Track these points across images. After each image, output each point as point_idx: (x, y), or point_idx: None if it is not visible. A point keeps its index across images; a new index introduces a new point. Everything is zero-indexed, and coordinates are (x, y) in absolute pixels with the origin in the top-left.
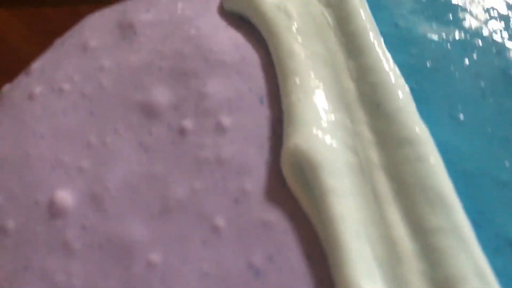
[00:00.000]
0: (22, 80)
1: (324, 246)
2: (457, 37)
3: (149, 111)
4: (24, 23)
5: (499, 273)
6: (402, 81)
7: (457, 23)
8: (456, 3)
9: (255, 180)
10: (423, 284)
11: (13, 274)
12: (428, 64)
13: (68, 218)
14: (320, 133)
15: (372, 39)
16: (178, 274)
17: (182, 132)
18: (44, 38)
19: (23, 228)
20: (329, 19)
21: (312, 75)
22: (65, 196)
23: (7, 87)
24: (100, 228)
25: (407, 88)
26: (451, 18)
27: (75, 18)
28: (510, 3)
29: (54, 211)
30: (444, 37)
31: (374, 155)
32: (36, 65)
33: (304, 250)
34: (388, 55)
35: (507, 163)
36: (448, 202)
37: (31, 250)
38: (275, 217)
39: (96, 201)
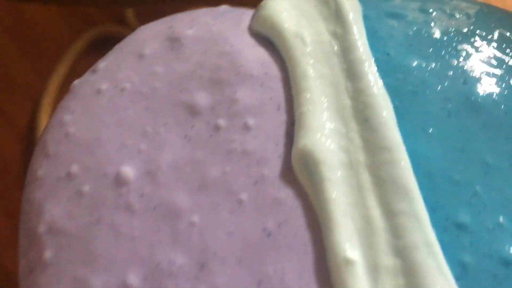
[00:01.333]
0: (89, 77)
1: (319, 220)
2: (433, 67)
3: (192, 110)
4: None
5: (445, 245)
6: (387, 101)
7: (436, 56)
8: (437, 38)
9: (271, 168)
10: (388, 249)
11: (88, 225)
12: (409, 88)
13: (130, 187)
14: (322, 138)
15: (366, 68)
16: (211, 231)
17: (217, 128)
18: (57, 9)
19: (95, 192)
20: (336, 47)
21: (319, 92)
22: (128, 171)
23: (76, 82)
24: (154, 195)
25: (390, 107)
26: (431, 51)
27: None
28: (478, 46)
29: (119, 181)
30: (424, 66)
31: (361, 156)
32: (101, 65)
33: (304, 221)
34: (379, 80)
35: (460, 167)
36: (411, 193)
37: (102, 209)
38: (284, 195)
39: (151, 176)
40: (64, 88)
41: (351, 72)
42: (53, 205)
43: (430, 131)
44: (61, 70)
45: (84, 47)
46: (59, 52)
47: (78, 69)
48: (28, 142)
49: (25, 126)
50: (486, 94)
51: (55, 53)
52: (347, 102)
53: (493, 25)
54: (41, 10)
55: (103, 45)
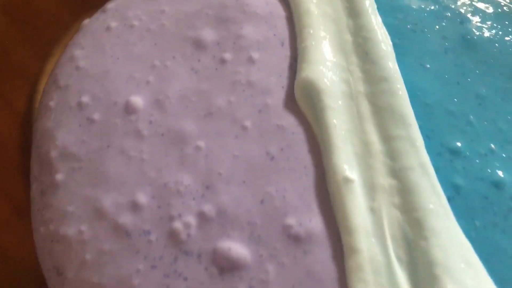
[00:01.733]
0: (99, 16)
1: (320, 144)
2: (432, 8)
3: (198, 45)
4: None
5: (439, 169)
6: (387, 37)
7: None
8: None
9: (275, 98)
10: (385, 171)
11: (99, 149)
12: (408, 27)
13: (139, 115)
14: (324, 69)
15: (367, 5)
16: (216, 155)
17: (222, 61)
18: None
19: (106, 119)
20: None
21: (322, 28)
22: (137, 100)
23: (86, 21)
24: (162, 122)
25: (390, 43)
26: None
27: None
28: None
29: (128, 109)
30: (423, 7)
31: (361, 87)
32: (111, 6)
33: (306, 146)
34: (379, 18)
35: (455, 99)
36: (408, 120)
37: (112, 134)
38: (287, 123)
39: (159, 105)
40: None
41: (353, 10)
42: (65, 132)
43: (427, 66)
44: (59, 52)
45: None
46: (58, 36)
47: None
48: (26, 124)
49: (23, 108)
50: (482, 34)
51: (54, 36)
52: (348, 37)
53: None
54: None
55: None
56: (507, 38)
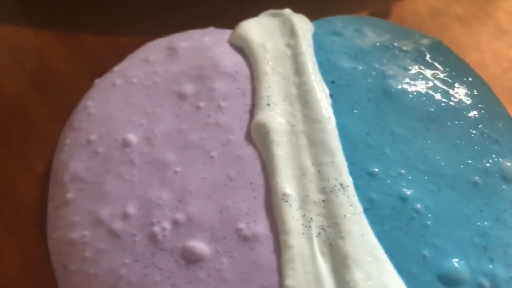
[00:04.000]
0: (108, 75)
1: (267, 169)
2: (361, 68)
3: (181, 96)
4: (64, 47)
5: (358, 188)
6: (324, 89)
7: (363, 60)
8: (365, 49)
9: (236, 135)
10: (315, 188)
11: (101, 174)
12: (342, 81)
13: (133, 148)
14: (274, 114)
15: (309, 67)
16: (189, 177)
17: (198, 108)
18: (81, 61)
19: (107, 151)
20: (288, 53)
21: (274, 83)
22: (132, 137)
23: (98, 80)
24: (149, 153)
25: (327, 93)
26: (360, 57)
27: (112, 47)
28: (394, 54)
29: (125, 144)
30: (354, 67)
31: (301, 127)
32: (117, 68)
33: (256, 170)
34: (318, 76)
35: (374, 136)
36: (334, 150)
37: (111, 163)
38: (243, 153)
39: (148, 140)
40: None
41: (298, 70)
42: (76, 162)
43: (355, 111)
44: None
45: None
46: (79, 102)
47: None
48: (45, 185)
49: (43, 169)
50: (398, 87)
51: (75, 102)
52: (294, 90)
53: (404, 39)
54: (64, 61)
55: None
56: (418, 90)
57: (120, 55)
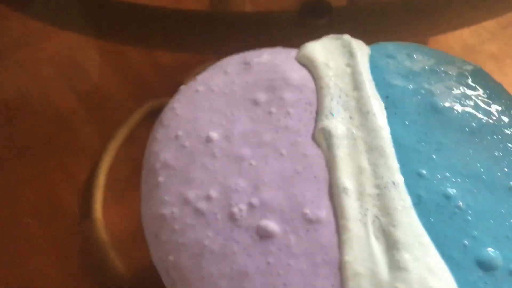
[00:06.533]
0: (191, 83)
1: (329, 166)
2: (412, 87)
3: (255, 103)
4: (109, 64)
5: (409, 185)
6: (380, 103)
7: (414, 79)
8: (415, 70)
9: (302, 137)
10: (371, 184)
11: (187, 164)
12: (395, 97)
13: (214, 143)
14: (335, 122)
15: (366, 84)
16: (263, 169)
17: (270, 113)
18: (125, 79)
19: (193, 146)
20: (347, 71)
21: (336, 97)
22: (214, 135)
23: (182, 86)
24: (228, 149)
25: (382, 106)
26: (411, 77)
27: (154, 66)
28: (441, 75)
29: (208, 140)
30: (406, 85)
31: (359, 133)
32: (199, 77)
33: (320, 167)
34: (374, 91)
35: (423, 143)
36: (387, 154)
37: (196, 155)
38: (309, 152)
39: (227, 138)
40: (122, 151)
41: (356, 86)
42: (166, 152)
43: (406, 123)
44: (121, 134)
45: (144, 116)
46: (122, 119)
47: (136, 135)
48: (85, 197)
49: (83, 181)
50: (444, 104)
51: (118, 119)
52: (353, 103)
53: (449, 64)
54: (108, 80)
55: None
56: (462, 107)
57: (162, 75)
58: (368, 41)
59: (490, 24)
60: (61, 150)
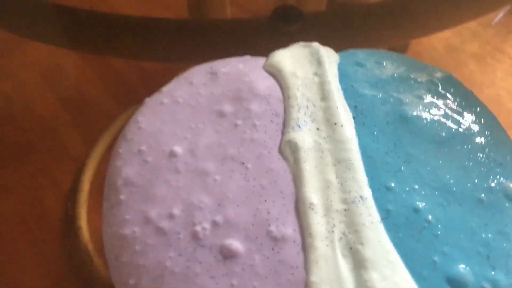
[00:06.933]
0: (156, 95)
1: (296, 181)
2: (380, 96)
3: (220, 115)
4: (93, 69)
5: (377, 199)
6: (348, 113)
7: (383, 89)
8: (384, 78)
9: (268, 150)
10: (338, 199)
11: (150, 180)
12: (364, 107)
13: (178, 158)
14: (303, 134)
15: (334, 93)
16: (227, 185)
17: (236, 125)
18: (108, 85)
19: (156, 161)
20: (315, 80)
21: (303, 107)
22: (178, 149)
23: (147, 98)
24: (193, 163)
25: (350, 117)
26: (380, 86)
27: (137, 71)
28: (410, 84)
29: (171, 155)
30: (374, 94)
31: (326, 145)
32: (165, 89)
33: (286, 182)
34: (343, 100)
35: (392, 155)
36: (355, 167)
37: (159, 170)
38: (275, 166)
39: (192, 152)
40: (106, 157)
41: (324, 96)
42: (128, 168)
43: (375, 133)
44: (106, 139)
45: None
46: (105, 124)
47: None
48: (69, 200)
49: (68, 186)
50: (414, 113)
51: (102, 124)
52: (320, 114)
53: (419, 72)
54: (92, 85)
55: None
56: (431, 116)
57: (145, 79)
58: (343, 46)
59: (471, 24)
60: (44, 156)
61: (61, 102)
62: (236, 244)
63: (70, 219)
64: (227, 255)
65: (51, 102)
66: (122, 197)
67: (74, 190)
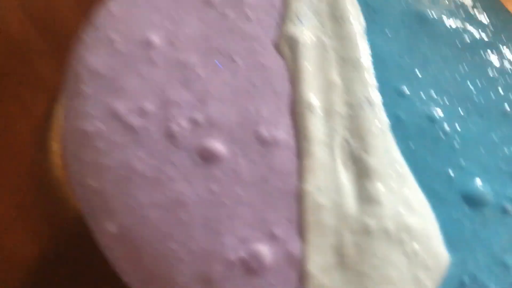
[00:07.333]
0: None
1: (293, 79)
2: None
3: (208, 3)
4: None
5: (386, 105)
6: (357, 9)
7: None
8: None
9: (261, 44)
10: (341, 101)
11: (119, 70)
12: (377, 5)
13: (155, 49)
14: (303, 28)
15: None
16: (211, 80)
17: (225, 15)
18: (88, 9)
19: (129, 51)
20: None
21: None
22: (155, 38)
23: None
24: (172, 55)
25: (360, 12)
26: None
27: None
28: None
29: (147, 44)
30: None
31: (331, 42)
32: None
33: (282, 79)
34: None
35: (405, 57)
36: (362, 65)
37: (132, 62)
38: (269, 62)
39: (171, 43)
40: None
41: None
42: (95, 57)
43: (387, 33)
44: None
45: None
46: None
47: None
48: (42, 129)
49: (41, 114)
50: (434, 13)
51: None
52: (325, 7)
53: None
54: (73, 13)
55: None
56: (453, 19)
57: None
58: None
59: None
60: (15, 81)
61: (34, 25)
62: (217, 145)
63: (41, 145)
64: (207, 157)
65: (23, 24)
66: (85, 88)
67: (47, 119)
